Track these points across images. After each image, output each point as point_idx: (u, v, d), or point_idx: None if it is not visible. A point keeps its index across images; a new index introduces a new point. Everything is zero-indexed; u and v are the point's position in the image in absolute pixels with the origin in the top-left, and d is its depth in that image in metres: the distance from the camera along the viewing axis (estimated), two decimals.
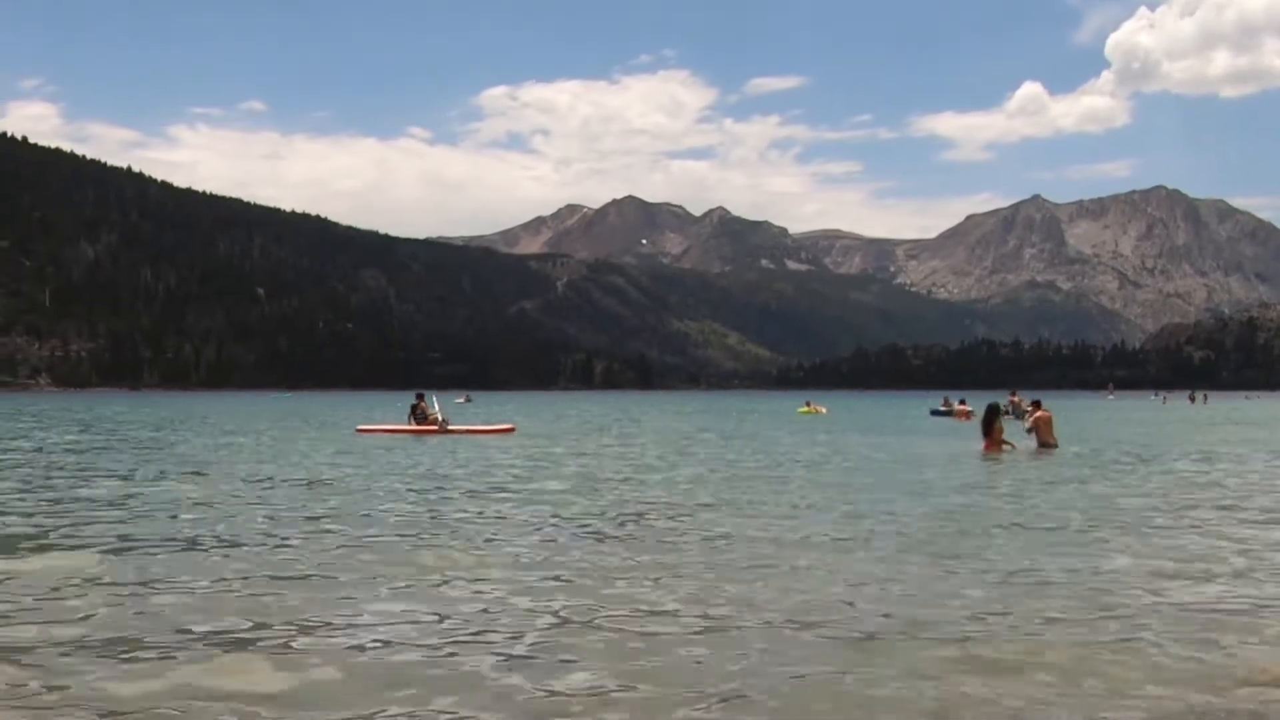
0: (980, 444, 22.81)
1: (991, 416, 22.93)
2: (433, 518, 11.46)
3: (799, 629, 6.22)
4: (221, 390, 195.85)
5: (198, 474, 17.01)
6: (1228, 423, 44.35)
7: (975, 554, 8.96)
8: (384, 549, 9.20)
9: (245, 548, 9.27)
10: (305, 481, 15.68)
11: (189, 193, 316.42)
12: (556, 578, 7.87)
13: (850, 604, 6.92)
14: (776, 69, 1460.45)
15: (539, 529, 10.51)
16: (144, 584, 7.51)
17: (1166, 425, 41.20)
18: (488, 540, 9.77)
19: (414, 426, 31.63)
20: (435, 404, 33.39)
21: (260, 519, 11.20)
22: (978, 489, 14.88)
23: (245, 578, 7.79)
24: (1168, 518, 11.45)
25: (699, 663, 5.55)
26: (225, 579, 7.74)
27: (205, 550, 9.10)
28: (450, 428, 31.62)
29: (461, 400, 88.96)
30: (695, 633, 6.16)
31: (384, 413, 45.12)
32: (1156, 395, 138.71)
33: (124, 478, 16.17)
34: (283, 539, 9.78)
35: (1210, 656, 5.64)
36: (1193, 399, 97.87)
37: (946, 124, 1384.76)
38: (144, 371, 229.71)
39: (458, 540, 9.73)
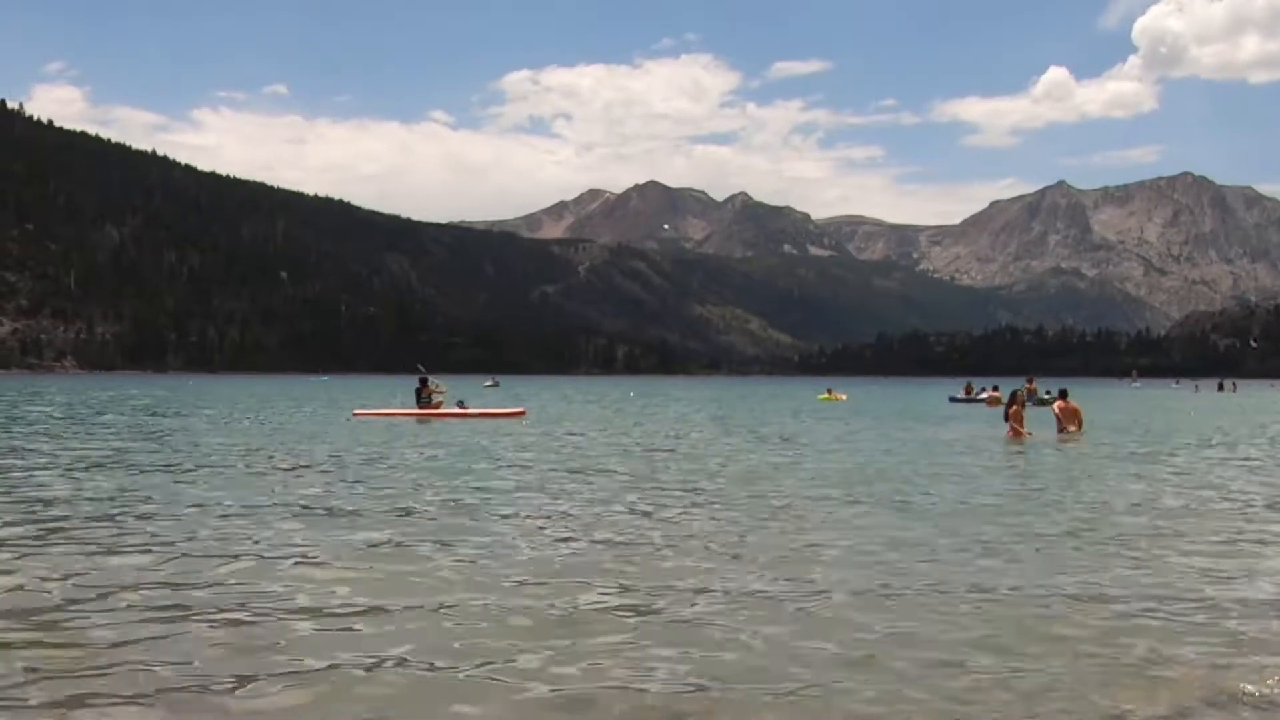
0: (1004, 431, 22.98)
1: (1011, 403, 23.18)
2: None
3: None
4: (246, 373, 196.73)
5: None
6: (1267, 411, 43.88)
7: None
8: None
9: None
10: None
11: (213, 176, 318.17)
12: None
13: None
14: (800, 53, 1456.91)
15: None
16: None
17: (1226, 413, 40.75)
18: None
19: (418, 410, 30.86)
20: (432, 382, 32.49)
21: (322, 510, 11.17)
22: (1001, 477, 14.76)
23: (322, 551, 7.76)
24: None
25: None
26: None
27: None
28: (452, 410, 31.15)
29: (489, 384, 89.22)
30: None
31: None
32: (1178, 383, 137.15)
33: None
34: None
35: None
36: (1221, 387, 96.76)
37: (971, 109, 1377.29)
38: (168, 354, 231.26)
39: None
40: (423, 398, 31.46)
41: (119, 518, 9.89)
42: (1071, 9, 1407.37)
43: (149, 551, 8.14)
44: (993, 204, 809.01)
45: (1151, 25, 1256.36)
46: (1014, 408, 22.92)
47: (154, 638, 5.62)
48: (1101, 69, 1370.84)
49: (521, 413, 33.19)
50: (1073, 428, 23.26)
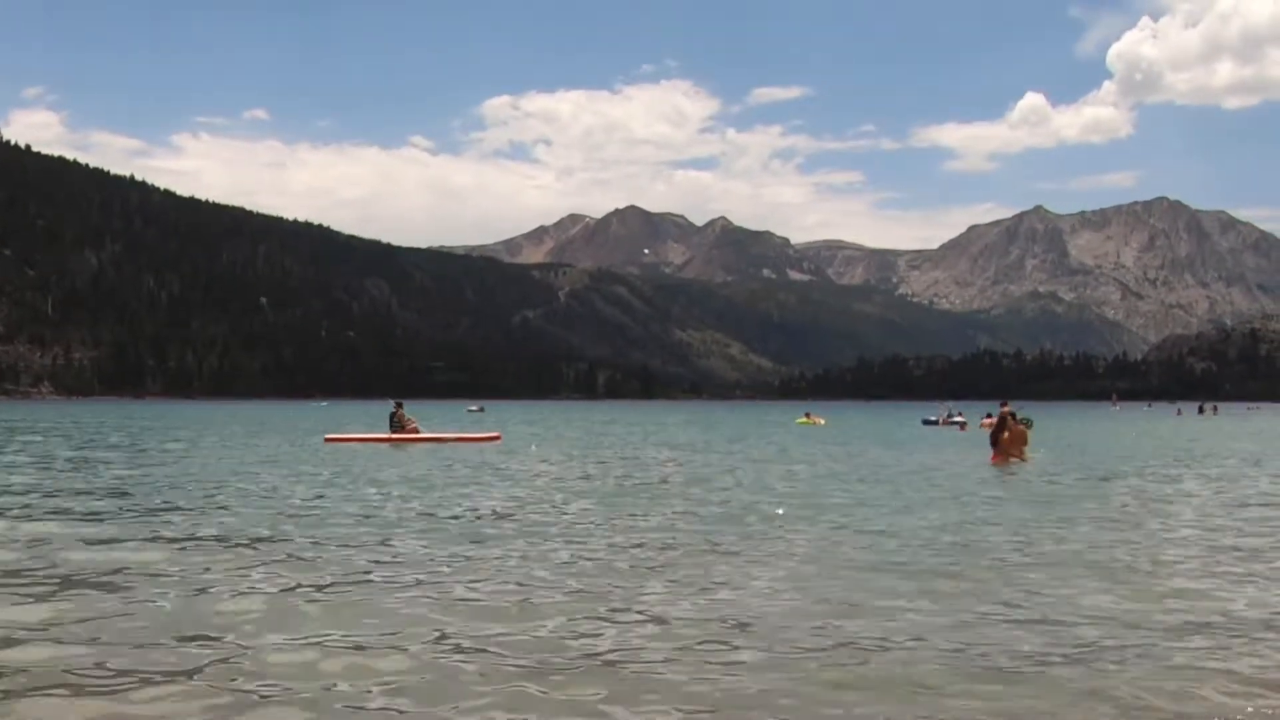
0: (989, 455, 23.03)
1: (1000, 428, 23.12)
2: None
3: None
4: (226, 399, 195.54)
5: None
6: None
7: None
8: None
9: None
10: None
11: (192, 201, 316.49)
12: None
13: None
14: (779, 79, 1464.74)
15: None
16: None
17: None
18: None
19: (390, 435, 31.22)
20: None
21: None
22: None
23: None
24: None
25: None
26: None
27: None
28: (427, 435, 31.90)
29: (475, 409, 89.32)
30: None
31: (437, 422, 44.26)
32: (1149, 406, 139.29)
33: None
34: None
35: None
36: (1202, 410, 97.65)
37: (949, 134, 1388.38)
38: (147, 380, 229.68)
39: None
40: (395, 423, 31.74)
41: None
42: (1048, 36, 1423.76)
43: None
44: (971, 229, 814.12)
45: (1127, 51, 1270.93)
46: (1005, 435, 22.90)
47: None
48: (1078, 95, 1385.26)
49: (497, 437, 33.50)
50: (1014, 452, 23.00)
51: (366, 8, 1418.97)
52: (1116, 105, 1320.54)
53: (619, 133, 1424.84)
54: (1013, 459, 22.40)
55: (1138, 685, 5.32)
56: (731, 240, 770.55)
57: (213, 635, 6.32)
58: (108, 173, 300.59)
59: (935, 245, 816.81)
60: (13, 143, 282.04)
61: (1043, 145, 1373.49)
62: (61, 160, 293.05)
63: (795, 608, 7.24)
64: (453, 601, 7.38)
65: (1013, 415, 24.14)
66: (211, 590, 7.69)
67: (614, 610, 7.17)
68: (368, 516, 12.22)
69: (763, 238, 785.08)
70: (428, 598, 7.50)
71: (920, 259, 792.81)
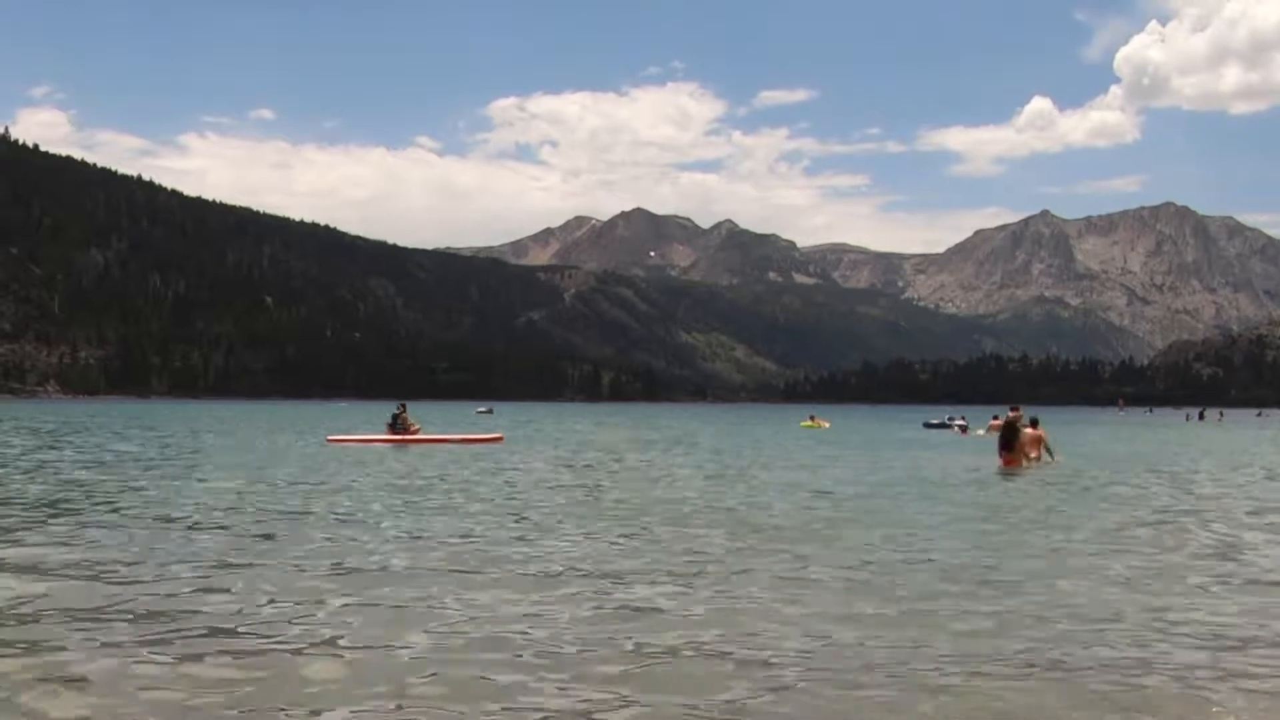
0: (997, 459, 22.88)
1: (1011, 432, 22.98)
2: None
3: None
4: (232, 398, 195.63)
5: None
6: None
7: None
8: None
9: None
10: None
11: (199, 201, 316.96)
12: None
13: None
14: (785, 82, 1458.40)
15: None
16: None
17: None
18: None
19: (391, 436, 31.31)
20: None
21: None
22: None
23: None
24: None
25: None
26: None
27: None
28: (427, 436, 32.01)
29: (483, 410, 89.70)
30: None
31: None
32: (1150, 412, 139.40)
33: None
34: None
35: None
36: (1203, 416, 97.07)
37: (955, 138, 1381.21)
38: (153, 379, 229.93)
39: None
40: (398, 424, 31.62)
41: None
42: (1054, 40, 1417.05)
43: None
44: (977, 233, 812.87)
45: (1134, 55, 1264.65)
46: (1020, 439, 22.80)
47: None
48: (1084, 99, 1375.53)
49: (499, 438, 33.51)
50: (1034, 454, 23.14)
51: (373, 9, 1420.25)
52: (1123, 110, 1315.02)
53: (625, 134, 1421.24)
54: (1032, 459, 22.48)
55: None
56: (737, 243, 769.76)
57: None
58: (114, 172, 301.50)
59: (941, 249, 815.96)
60: (20, 141, 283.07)
61: (1049, 149, 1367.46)
62: (68, 159, 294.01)
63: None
64: None
65: (1034, 421, 24.12)
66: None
67: None
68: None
69: (768, 240, 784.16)
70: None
71: (926, 263, 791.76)
